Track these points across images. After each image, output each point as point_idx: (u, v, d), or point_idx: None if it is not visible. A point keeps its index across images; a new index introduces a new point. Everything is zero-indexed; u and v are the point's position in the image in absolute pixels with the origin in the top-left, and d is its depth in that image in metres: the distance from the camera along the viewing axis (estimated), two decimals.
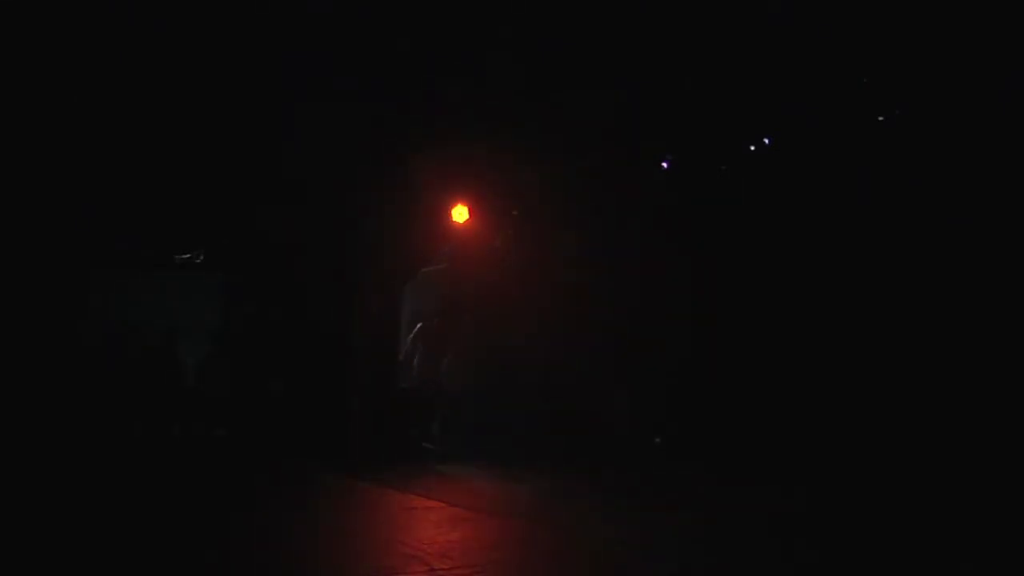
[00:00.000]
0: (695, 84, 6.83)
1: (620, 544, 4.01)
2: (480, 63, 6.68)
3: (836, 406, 6.52)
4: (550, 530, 4.30)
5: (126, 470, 6.44)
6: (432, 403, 7.61)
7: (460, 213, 9.19)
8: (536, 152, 8.53)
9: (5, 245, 8.76)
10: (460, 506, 4.87)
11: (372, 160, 8.63)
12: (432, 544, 3.79)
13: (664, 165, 8.35)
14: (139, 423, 8.29)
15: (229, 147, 8.24)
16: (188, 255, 11.20)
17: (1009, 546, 3.99)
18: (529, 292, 8.52)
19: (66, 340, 8.74)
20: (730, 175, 7.81)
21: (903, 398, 6.19)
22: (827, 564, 3.74)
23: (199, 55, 6.72)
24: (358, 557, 3.61)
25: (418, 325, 8.61)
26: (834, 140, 6.85)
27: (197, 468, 6.84)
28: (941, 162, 6.17)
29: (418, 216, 9.13)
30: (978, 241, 5.97)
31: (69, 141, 7.73)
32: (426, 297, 8.98)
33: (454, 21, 6.28)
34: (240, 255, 10.74)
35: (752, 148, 7.68)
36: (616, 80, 6.75)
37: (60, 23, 6.27)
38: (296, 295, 10.19)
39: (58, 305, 9.49)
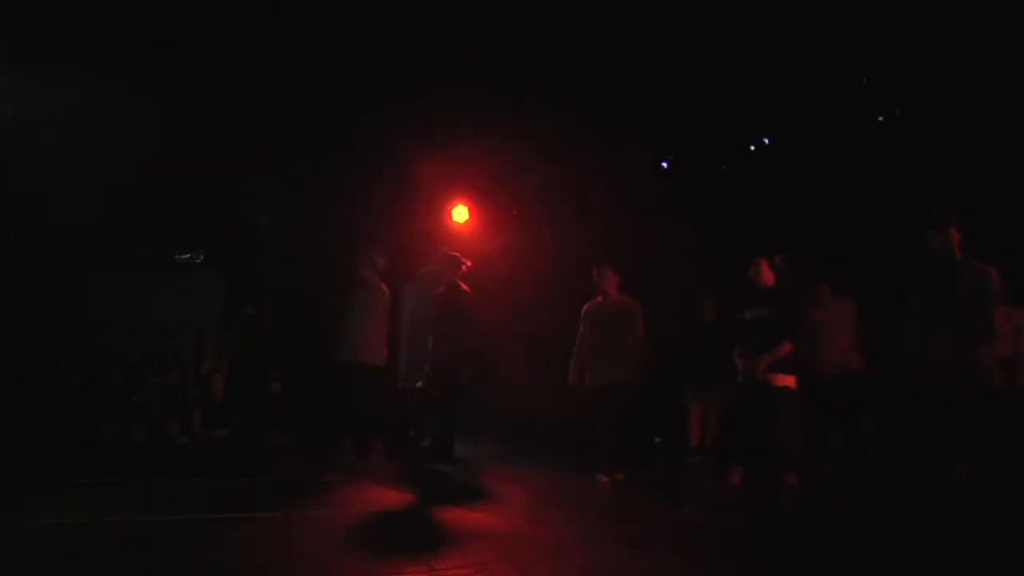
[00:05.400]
0: (695, 83, 6.84)
1: (623, 544, 4.01)
2: (480, 61, 6.68)
3: None
4: (551, 530, 4.29)
5: (125, 471, 6.43)
6: (432, 403, 7.57)
7: (460, 213, 9.21)
8: (537, 152, 8.55)
9: (6, 246, 8.76)
10: (460, 506, 4.86)
11: (371, 160, 8.64)
12: (432, 544, 3.78)
13: (664, 165, 8.37)
14: (138, 423, 8.28)
15: (228, 146, 8.24)
16: (188, 255, 11.22)
17: None
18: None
19: (65, 340, 8.75)
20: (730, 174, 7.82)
21: None
22: None
23: (199, 52, 6.72)
24: (357, 557, 3.60)
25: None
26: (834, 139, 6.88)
27: (195, 468, 6.82)
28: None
29: (418, 216, 9.13)
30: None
31: (70, 142, 7.73)
32: (425, 297, 8.97)
33: (454, 20, 6.29)
34: (240, 255, 10.75)
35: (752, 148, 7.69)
36: (617, 79, 6.76)
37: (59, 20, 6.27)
38: (295, 295, 10.21)
39: (57, 305, 9.50)
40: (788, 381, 5.67)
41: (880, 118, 6.80)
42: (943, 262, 4.93)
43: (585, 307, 6.56)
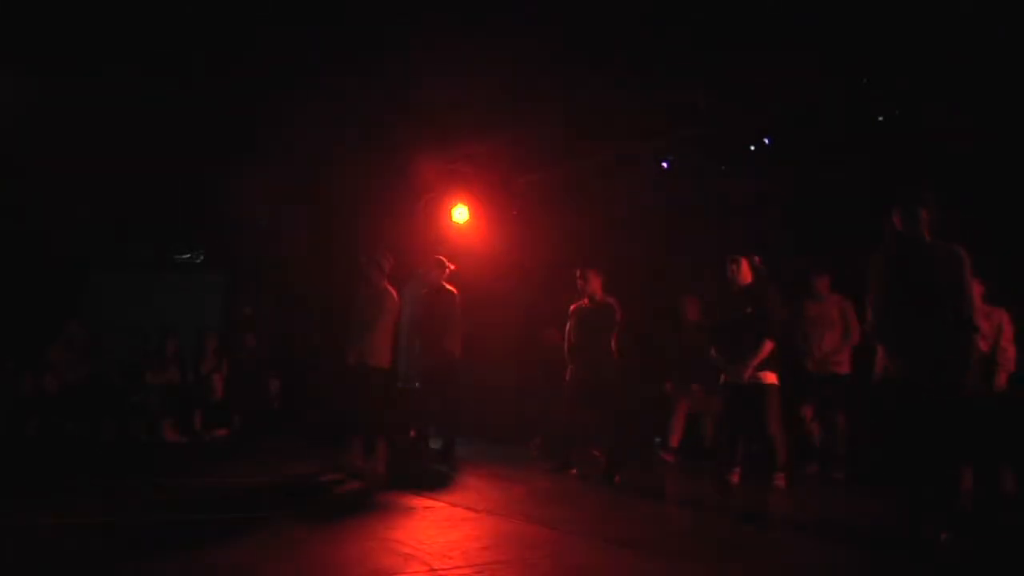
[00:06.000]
0: (696, 83, 6.85)
1: (623, 545, 4.01)
2: (480, 61, 6.69)
3: None
4: (550, 530, 4.30)
5: (125, 471, 6.43)
6: (431, 402, 7.57)
7: (460, 213, 9.22)
8: (537, 151, 8.55)
9: (6, 247, 8.76)
10: (460, 506, 4.87)
11: (371, 160, 8.63)
12: (432, 544, 3.79)
13: (664, 165, 8.37)
14: (138, 423, 8.28)
15: (228, 147, 8.24)
16: (188, 255, 11.23)
17: None
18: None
19: (64, 341, 8.74)
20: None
21: None
22: None
23: (195, 50, 6.72)
24: (358, 557, 3.60)
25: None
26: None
27: (195, 468, 6.82)
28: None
29: (417, 216, 9.14)
30: None
31: (70, 143, 7.73)
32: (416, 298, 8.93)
33: (453, 18, 6.29)
34: (240, 255, 10.76)
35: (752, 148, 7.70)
36: (617, 78, 6.77)
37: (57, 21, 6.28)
38: (295, 295, 10.21)
39: (57, 306, 9.50)
40: (772, 378, 5.62)
41: (880, 118, 6.81)
42: (911, 244, 4.48)
43: (572, 306, 6.65)
